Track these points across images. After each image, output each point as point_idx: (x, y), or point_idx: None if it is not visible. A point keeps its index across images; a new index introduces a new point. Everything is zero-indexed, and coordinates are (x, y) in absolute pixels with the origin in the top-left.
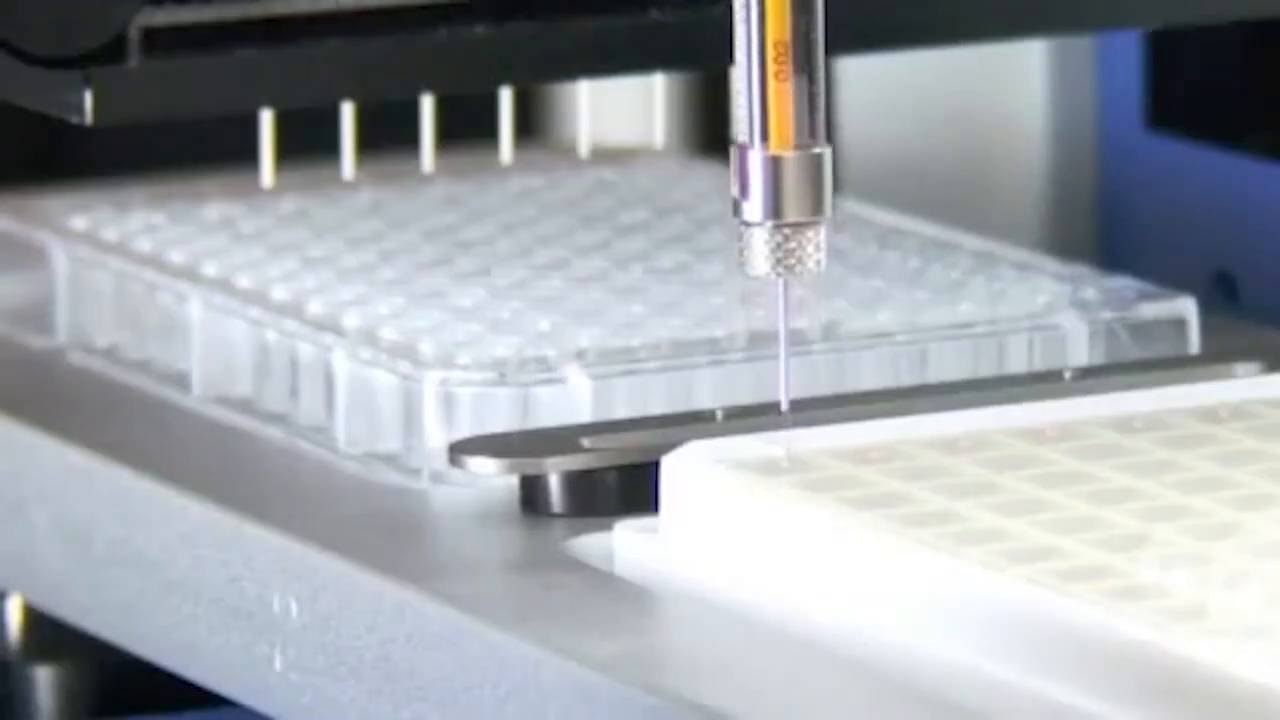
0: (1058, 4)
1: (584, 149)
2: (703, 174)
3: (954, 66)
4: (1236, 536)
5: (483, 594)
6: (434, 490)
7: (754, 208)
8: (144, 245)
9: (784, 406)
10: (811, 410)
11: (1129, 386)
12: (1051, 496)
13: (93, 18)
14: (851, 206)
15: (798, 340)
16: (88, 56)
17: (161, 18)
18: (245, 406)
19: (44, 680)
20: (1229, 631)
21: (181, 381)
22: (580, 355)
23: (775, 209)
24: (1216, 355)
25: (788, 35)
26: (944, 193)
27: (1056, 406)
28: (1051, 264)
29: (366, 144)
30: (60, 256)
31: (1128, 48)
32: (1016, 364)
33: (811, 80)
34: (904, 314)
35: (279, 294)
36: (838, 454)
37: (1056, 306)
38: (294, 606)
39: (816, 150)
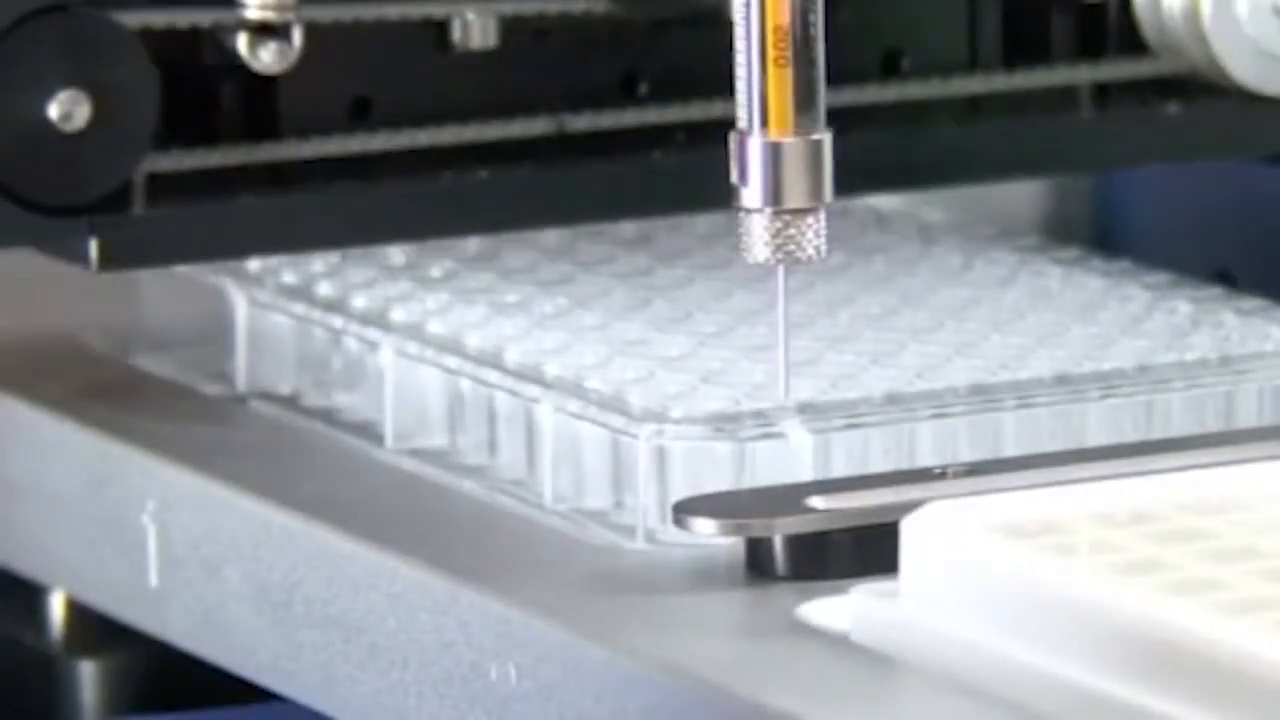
0: (1050, 147)
1: None
2: (902, 221)
3: None
4: None
5: (717, 663)
6: (649, 550)
7: (753, 194)
8: (325, 289)
9: (784, 397)
10: (1042, 468)
11: None
12: None
13: (98, 165)
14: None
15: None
16: (93, 204)
17: (166, 164)
18: (438, 458)
19: (87, 674)
20: None
21: (370, 431)
22: (802, 410)
23: (775, 195)
24: None
25: (787, 20)
26: (945, 190)
27: None
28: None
29: None
30: (240, 301)
31: None
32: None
33: (811, 66)
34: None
35: (473, 341)
36: (1088, 516)
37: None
38: (513, 674)
39: (816, 136)
